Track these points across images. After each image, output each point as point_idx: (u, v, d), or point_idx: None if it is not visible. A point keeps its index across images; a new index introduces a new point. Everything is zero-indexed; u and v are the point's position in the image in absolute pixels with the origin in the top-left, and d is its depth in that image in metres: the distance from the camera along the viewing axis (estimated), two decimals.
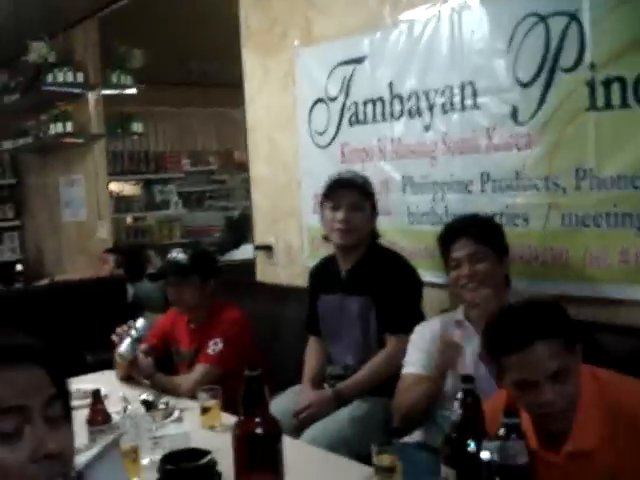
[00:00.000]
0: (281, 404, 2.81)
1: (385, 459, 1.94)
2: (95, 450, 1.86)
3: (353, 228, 2.85)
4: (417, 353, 2.50)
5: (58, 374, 1.16)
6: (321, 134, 3.68)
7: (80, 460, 1.73)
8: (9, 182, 7.43)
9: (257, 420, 1.79)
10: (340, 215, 2.85)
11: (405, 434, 2.50)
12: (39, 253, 7.26)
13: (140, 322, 3.01)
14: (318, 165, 3.62)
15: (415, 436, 2.52)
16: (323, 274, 3.09)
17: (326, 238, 3.01)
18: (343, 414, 2.73)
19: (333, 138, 3.62)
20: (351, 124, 3.52)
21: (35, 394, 1.11)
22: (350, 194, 2.86)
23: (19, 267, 6.37)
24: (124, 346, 2.96)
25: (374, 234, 2.97)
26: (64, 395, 1.16)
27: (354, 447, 2.47)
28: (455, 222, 2.60)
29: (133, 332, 2.97)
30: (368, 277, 2.84)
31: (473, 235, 2.43)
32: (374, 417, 2.69)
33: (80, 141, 6.12)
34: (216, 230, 8.21)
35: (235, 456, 1.83)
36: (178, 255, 3.18)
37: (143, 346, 3.12)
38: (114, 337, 3.01)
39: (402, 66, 3.24)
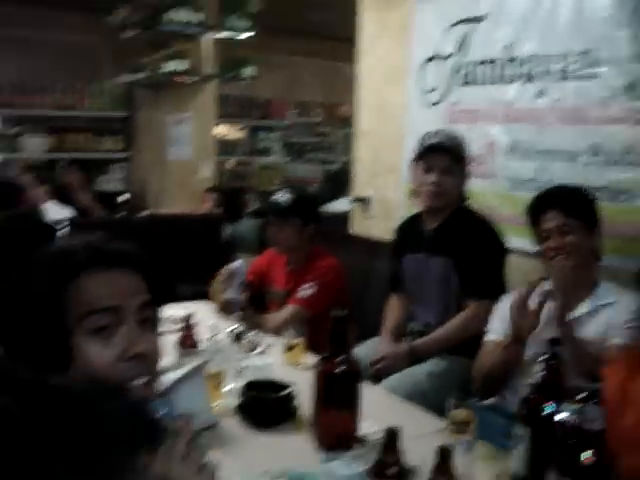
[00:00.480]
0: (361, 353, 2.87)
1: (460, 413, 1.96)
2: (183, 370, 1.96)
3: (443, 192, 2.82)
4: (500, 321, 2.49)
5: (152, 282, 1.23)
6: (431, 92, 3.65)
7: (168, 378, 1.82)
8: (121, 115, 7.66)
9: (339, 359, 1.84)
10: (431, 178, 2.82)
11: (483, 399, 2.51)
12: (143, 186, 7.50)
13: (239, 264, 3.11)
14: (424, 123, 3.59)
15: (491, 400, 2.53)
16: (409, 232, 3.08)
17: (414, 194, 2.99)
18: (421, 369, 2.75)
19: (442, 97, 3.58)
20: (462, 84, 3.47)
21: (130, 297, 1.18)
22: (443, 158, 2.82)
23: (123, 197, 6.60)
24: (230, 292, 3.08)
25: (463, 196, 2.93)
26: (155, 303, 1.23)
27: (430, 402, 2.49)
28: (545, 193, 2.54)
29: (236, 278, 3.08)
30: (452, 239, 2.82)
31: (563, 207, 2.38)
32: (452, 375, 2.70)
33: (192, 80, 6.24)
34: (314, 182, 8.27)
35: (315, 391, 1.89)
36: (282, 196, 3.24)
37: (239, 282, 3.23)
38: (217, 283, 3.12)
39: (521, 29, 3.16)
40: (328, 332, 1.88)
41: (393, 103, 3.97)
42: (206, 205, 5.70)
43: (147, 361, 1.18)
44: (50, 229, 2.36)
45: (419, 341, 2.85)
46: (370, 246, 3.95)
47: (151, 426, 0.68)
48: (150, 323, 1.22)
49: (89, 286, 1.15)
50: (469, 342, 2.66)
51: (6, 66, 7.33)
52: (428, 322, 2.91)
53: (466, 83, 3.46)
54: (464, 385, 2.63)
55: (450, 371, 2.75)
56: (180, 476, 1.05)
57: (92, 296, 1.15)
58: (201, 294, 3.53)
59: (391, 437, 1.49)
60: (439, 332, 2.82)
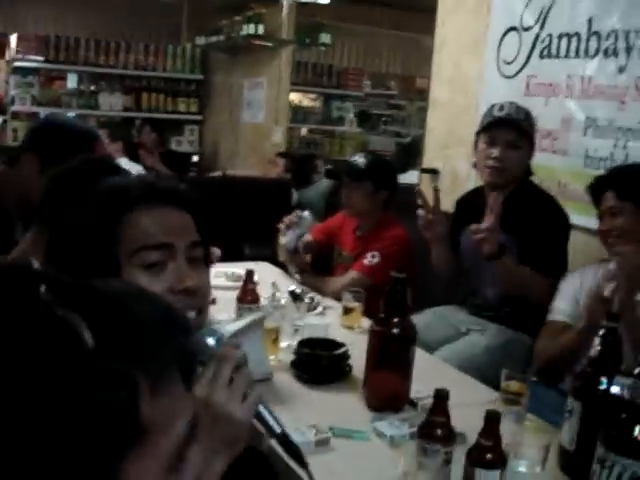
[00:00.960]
0: (420, 321, 2.86)
1: (513, 385, 1.95)
2: (242, 323, 1.99)
3: (506, 167, 2.73)
4: (565, 301, 2.42)
5: (201, 223, 1.25)
6: (508, 63, 3.58)
7: (228, 328, 1.86)
8: (197, 78, 7.75)
9: (395, 320, 1.84)
10: (494, 152, 2.72)
11: (542, 379, 2.47)
12: (215, 148, 7.59)
13: (306, 215, 3.13)
14: (500, 94, 3.51)
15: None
16: (469, 206, 3.00)
17: (478, 169, 2.91)
18: (480, 340, 2.72)
19: (520, 69, 3.50)
20: (541, 57, 3.39)
21: (181, 235, 1.21)
22: (508, 132, 2.71)
23: (195, 158, 6.70)
24: (287, 237, 3.11)
25: (528, 171, 2.83)
26: (205, 243, 1.25)
27: (485, 375, 2.47)
28: (605, 173, 2.47)
29: (298, 226, 3.11)
30: (515, 215, 2.70)
31: (616, 188, 2.31)
32: (511, 350, 2.66)
33: (269, 45, 6.26)
34: (387, 154, 8.22)
35: (368, 351, 1.91)
36: (358, 158, 3.25)
37: (308, 238, 3.28)
38: (281, 225, 3.15)
39: (604, 3, 3.06)
40: (386, 293, 1.88)
41: (469, 75, 3.91)
42: (276, 169, 5.74)
43: (196, 296, 1.21)
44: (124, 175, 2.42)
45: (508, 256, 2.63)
46: None
47: (184, 324, 0.70)
48: (199, 262, 1.24)
49: (142, 221, 1.18)
50: (531, 318, 2.61)
51: (87, 24, 7.51)
52: (487, 298, 2.86)
53: (545, 56, 3.37)
54: (522, 362, 2.60)
55: (509, 346, 2.70)
56: (222, 401, 1.06)
57: (144, 232, 1.18)
58: (267, 256, 3.56)
59: (440, 398, 1.49)
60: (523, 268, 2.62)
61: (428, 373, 2.06)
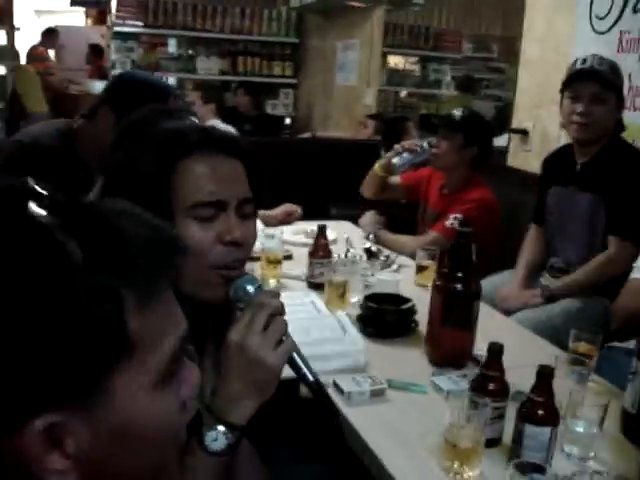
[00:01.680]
0: (498, 281, 2.83)
1: (582, 346, 1.89)
2: None
3: (592, 122, 2.63)
4: None
5: (255, 177, 1.26)
6: (601, 19, 3.42)
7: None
8: (292, 41, 7.78)
9: (459, 275, 1.82)
10: (579, 107, 2.63)
11: (620, 339, 2.40)
12: (309, 111, 7.61)
13: (426, 147, 3.16)
14: (592, 51, 3.33)
15: (629, 344, 2.41)
16: (557, 164, 2.92)
17: (564, 127, 2.82)
18: (558, 306, 2.66)
19: (613, 24, 3.35)
20: (635, 11, 3.23)
21: (233, 189, 1.22)
22: (592, 85, 2.62)
23: (287, 121, 6.76)
24: (401, 159, 3.13)
25: (619, 127, 2.72)
26: (255, 200, 1.27)
27: (561, 338, 2.41)
28: None
29: (416, 153, 3.11)
30: (603, 174, 2.64)
31: None
32: (589, 314, 2.58)
33: (362, 5, 6.20)
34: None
35: (431, 306, 1.89)
36: (456, 112, 3.28)
37: (397, 180, 3.40)
38: (398, 146, 3.22)
39: None
40: (450, 248, 1.86)
41: (560, 32, 3.77)
42: (365, 131, 5.71)
43: (242, 247, 1.23)
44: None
45: (557, 284, 2.74)
46: (525, 179, 3.82)
47: (173, 242, 0.71)
48: (249, 216, 1.26)
49: (196, 170, 1.19)
50: (612, 281, 2.53)
51: None
52: (569, 259, 2.79)
53: (638, 10, 3.21)
54: (603, 328, 2.51)
55: (589, 310, 2.63)
56: (255, 346, 1.10)
57: (197, 184, 1.19)
58: (353, 216, 3.56)
59: (494, 352, 1.46)
60: (579, 273, 2.69)
61: (498, 332, 2.02)
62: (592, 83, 2.62)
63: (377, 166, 3.35)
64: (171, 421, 0.70)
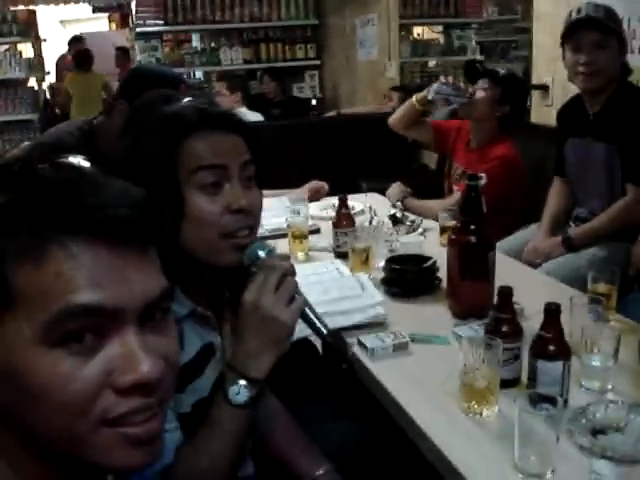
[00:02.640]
0: (524, 236, 2.86)
1: (601, 287, 1.92)
2: None
3: (597, 70, 2.62)
4: None
5: (253, 143, 1.33)
6: None
7: None
8: (312, 23, 7.79)
9: (471, 228, 1.86)
10: (582, 58, 2.62)
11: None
12: (335, 90, 7.64)
13: (464, 87, 3.20)
14: (604, 1, 3.36)
15: None
16: (571, 115, 2.92)
17: (570, 79, 2.80)
18: (584, 255, 2.68)
19: None
20: None
21: (234, 157, 1.29)
22: (591, 33, 2.60)
23: (313, 102, 6.81)
24: (439, 87, 3.21)
25: (625, 70, 2.71)
26: (257, 162, 1.33)
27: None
28: None
29: (453, 89, 3.19)
30: (616, 122, 2.63)
31: None
32: (615, 260, 2.59)
33: None
34: None
35: (448, 260, 1.94)
36: (501, 68, 3.38)
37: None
38: (441, 77, 3.28)
39: None
40: (460, 201, 1.91)
41: None
42: (390, 103, 5.72)
43: (249, 214, 1.30)
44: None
45: (576, 230, 2.76)
46: (548, 134, 3.81)
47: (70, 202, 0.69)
48: (252, 181, 1.32)
49: (198, 145, 1.27)
50: (633, 227, 2.55)
51: None
52: (593, 209, 2.80)
53: None
54: (625, 271, 2.53)
55: (613, 257, 2.64)
56: (269, 304, 1.19)
57: (201, 154, 1.26)
58: (382, 190, 3.59)
59: (505, 295, 1.51)
60: (598, 220, 2.71)
61: (524, 283, 2.05)
62: (591, 31, 2.61)
63: (415, 97, 3.36)
64: (65, 384, 0.66)
